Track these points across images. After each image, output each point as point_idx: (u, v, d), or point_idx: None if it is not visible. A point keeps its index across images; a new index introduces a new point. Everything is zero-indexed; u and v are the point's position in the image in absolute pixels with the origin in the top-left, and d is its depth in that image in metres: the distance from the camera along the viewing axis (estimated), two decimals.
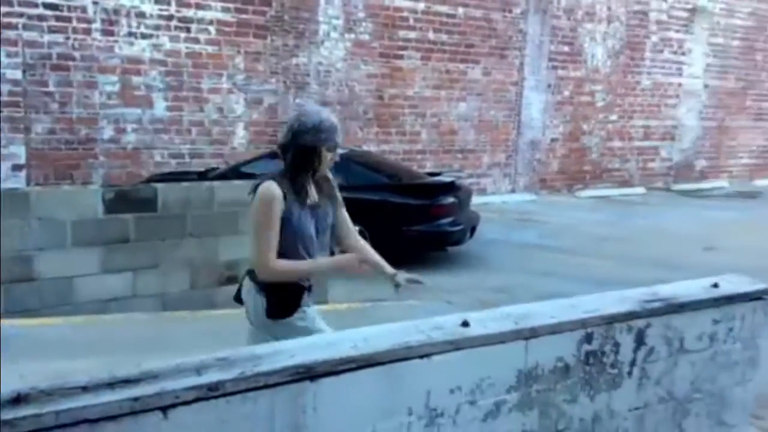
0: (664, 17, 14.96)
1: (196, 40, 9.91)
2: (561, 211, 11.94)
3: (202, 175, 8.20)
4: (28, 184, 8.77)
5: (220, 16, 10.03)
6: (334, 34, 11.02)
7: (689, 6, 15.27)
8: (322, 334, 2.20)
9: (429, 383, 2.15)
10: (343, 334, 2.20)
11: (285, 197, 2.62)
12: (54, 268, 5.01)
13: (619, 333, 2.55)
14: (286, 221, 2.63)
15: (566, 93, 13.91)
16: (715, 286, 2.83)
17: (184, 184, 6.01)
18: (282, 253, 2.64)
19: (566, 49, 13.73)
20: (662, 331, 2.64)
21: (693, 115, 15.85)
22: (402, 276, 2.76)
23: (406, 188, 7.74)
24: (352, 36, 11.20)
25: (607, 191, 14.26)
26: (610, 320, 2.53)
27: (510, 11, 12.89)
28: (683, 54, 15.39)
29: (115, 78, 9.46)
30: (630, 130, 14.99)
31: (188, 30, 9.84)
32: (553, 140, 13.91)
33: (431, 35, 11.99)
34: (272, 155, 8.72)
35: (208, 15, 9.94)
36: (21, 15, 8.72)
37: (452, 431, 2.20)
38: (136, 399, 1.72)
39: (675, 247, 8.96)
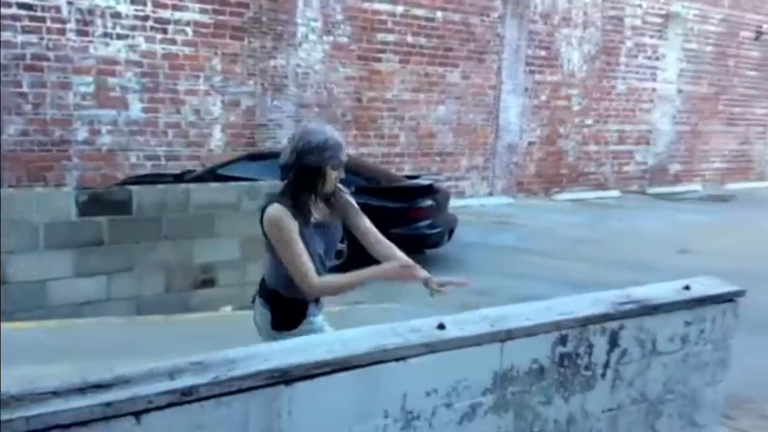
0: (638, 23, 15.18)
1: (173, 41, 9.83)
2: (538, 214, 12.04)
3: (179, 178, 8.12)
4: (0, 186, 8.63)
5: (197, 17, 9.96)
6: (312, 37, 11.00)
7: (663, 12, 15.50)
8: (297, 339, 2.18)
9: (405, 386, 2.15)
10: (319, 337, 2.20)
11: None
12: (26, 272, 4.93)
13: (593, 335, 2.57)
14: None
15: (543, 97, 14.03)
16: (687, 288, 2.88)
17: (160, 186, 5.96)
18: (285, 270, 2.60)
19: (543, 53, 13.86)
20: (635, 332, 2.68)
21: (667, 119, 16.08)
22: (435, 280, 2.63)
23: (384, 191, 7.75)
24: (331, 38, 11.19)
25: (583, 194, 14.41)
26: (584, 322, 2.56)
27: (488, 15, 12.98)
28: (657, 59, 15.62)
29: (89, 79, 9.34)
30: (605, 134, 15.16)
31: (165, 31, 9.75)
32: (530, 144, 14.02)
33: (410, 38, 12.03)
34: (250, 157, 8.73)
35: (185, 16, 9.87)
36: None
37: None
38: (108, 404, 1.69)
39: (649, 249, 9.08)
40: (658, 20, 15.46)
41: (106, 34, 9.36)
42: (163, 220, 5.41)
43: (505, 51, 13.26)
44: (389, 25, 11.78)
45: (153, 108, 9.83)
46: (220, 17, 10.11)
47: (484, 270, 7.45)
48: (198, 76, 10.09)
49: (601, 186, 15.11)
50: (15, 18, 8.72)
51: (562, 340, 2.50)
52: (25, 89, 8.92)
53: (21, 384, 1.70)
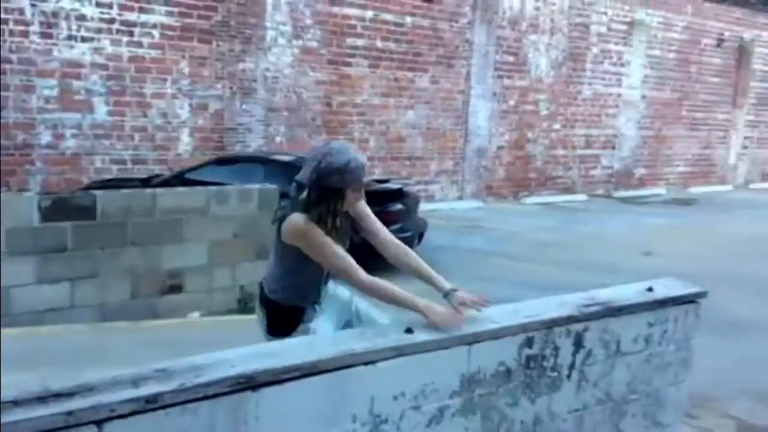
0: (604, 30, 15.44)
1: (139, 44, 9.70)
2: (507, 217, 12.15)
3: (145, 182, 8.01)
4: None
5: (164, 20, 9.85)
6: (281, 40, 10.96)
7: (628, 19, 15.80)
8: (265, 344, 2.17)
9: (373, 390, 2.16)
10: (287, 342, 2.19)
11: None
12: None
13: (559, 337, 2.61)
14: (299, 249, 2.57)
15: (511, 102, 14.18)
16: (650, 290, 2.94)
17: (125, 191, 5.86)
18: (294, 271, 2.60)
19: (511, 59, 14.02)
20: (600, 334, 2.72)
21: (632, 124, 16.38)
22: (457, 297, 2.50)
23: None
24: (300, 42, 11.17)
25: (551, 198, 14.59)
26: (550, 324, 2.60)
27: (456, 21, 13.08)
28: (622, 65, 15.90)
29: (53, 82, 9.17)
30: (573, 139, 15.38)
31: (131, 34, 9.62)
32: (499, 148, 14.16)
33: (379, 43, 12.06)
34: (218, 161, 8.66)
35: (152, 19, 9.75)
36: None
37: None
38: (69, 413, 1.67)
39: (615, 252, 9.23)
40: (623, 27, 15.75)
41: (70, 37, 9.19)
42: (129, 226, 5.33)
43: (474, 56, 13.38)
44: (359, 29, 11.79)
45: (119, 111, 9.68)
46: (188, 20, 10.01)
47: (454, 273, 7.47)
48: (165, 80, 9.98)
49: (569, 190, 15.32)
50: None
51: (529, 343, 2.54)
52: None
53: None
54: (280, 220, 2.58)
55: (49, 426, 1.64)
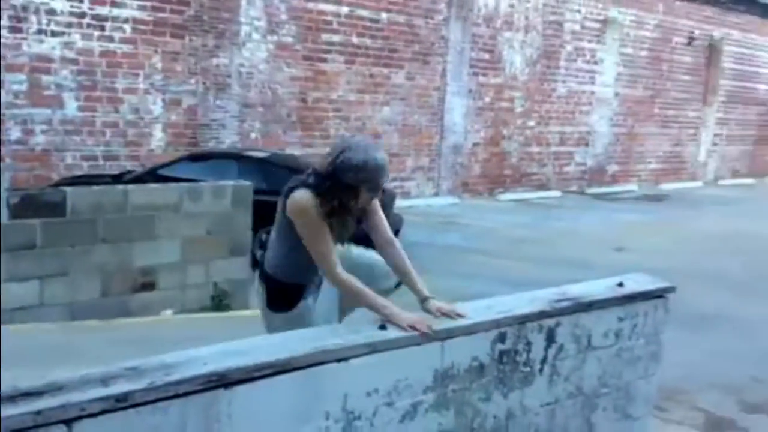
0: (577, 28, 15.60)
1: (111, 39, 9.56)
2: (482, 214, 12.23)
3: (117, 178, 7.91)
4: None
5: (136, 14, 9.71)
6: (256, 36, 10.88)
7: (601, 17, 15.98)
8: (238, 341, 2.15)
9: (346, 387, 2.16)
10: (260, 339, 2.18)
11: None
12: None
13: (531, 332, 2.64)
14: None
15: (487, 99, 14.26)
16: (620, 285, 2.98)
17: (96, 187, 5.78)
18: (296, 248, 2.55)
19: (486, 56, 14.09)
20: (571, 329, 2.75)
21: (605, 121, 16.58)
22: (433, 305, 2.52)
23: None
24: (275, 38, 11.09)
25: (525, 194, 14.71)
26: (523, 320, 2.62)
27: (432, 18, 13.10)
28: (595, 63, 16.08)
29: (23, 77, 8.99)
30: (547, 136, 15.52)
31: (102, 28, 9.48)
32: (474, 145, 14.23)
33: (355, 39, 12.04)
34: (192, 158, 8.57)
35: (123, 13, 9.61)
36: None
37: None
38: (38, 412, 1.64)
39: (588, 248, 9.34)
40: (596, 25, 15.93)
41: (40, 31, 9.02)
42: (100, 223, 5.25)
43: (450, 53, 13.42)
44: (334, 25, 11.75)
45: (90, 107, 9.53)
46: (160, 14, 9.89)
47: (429, 269, 7.49)
48: (137, 75, 9.84)
49: (543, 186, 15.46)
50: None
51: (502, 338, 2.56)
52: None
53: None
54: (287, 194, 2.54)
55: (18, 425, 1.61)
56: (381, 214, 2.69)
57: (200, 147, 10.21)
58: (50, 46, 9.12)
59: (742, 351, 5.46)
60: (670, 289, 3.09)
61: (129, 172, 8.73)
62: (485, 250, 9.13)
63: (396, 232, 9.31)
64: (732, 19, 19.02)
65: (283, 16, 11.13)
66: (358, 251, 2.81)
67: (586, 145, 16.31)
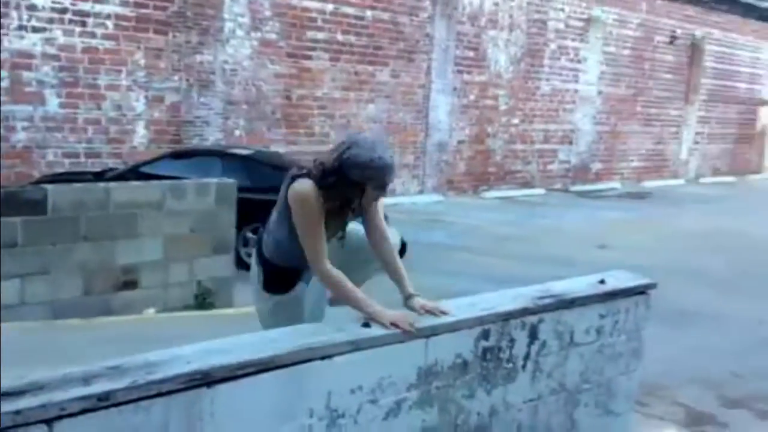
0: (561, 26, 15.68)
1: (93, 35, 9.46)
2: (467, 211, 12.26)
3: (99, 176, 7.85)
4: None
5: (119, 10, 9.62)
6: (240, 32, 10.82)
7: (585, 16, 16.07)
8: (220, 340, 2.14)
9: (330, 384, 2.16)
10: (243, 338, 2.17)
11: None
12: None
13: (514, 329, 2.66)
14: None
15: (471, 97, 14.30)
16: (602, 282, 3.01)
17: (78, 185, 5.73)
18: (289, 243, 2.55)
19: (471, 54, 14.12)
20: (554, 325, 2.78)
21: (588, 120, 16.69)
22: (417, 302, 2.53)
23: None
24: (259, 35, 11.04)
25: (510, 192, 14.77)
26: (506, 317, 2.64)
27: (417, 15, 13.11)
28: (579, 62, 16.18)
29: (3, 73, 8.87)
30: (531, 134, 15.60)
31: (84, 24, 9.38)
32: (459, 142, 14.26)
33: (340, 36, 12.01)
34: (174, 155, 8.52)
35: (106, 9, 9.51)
36: None
37: (354, 431, 2.22)
38: (18, 412, 1.63)
39: (571, 245, 9.40)
40: (580, 24, 16.02)
41: (21, 27, 8.91)
42: (82, 220, 5.20)
43: (435, 51, 13.43)
44: (319, 22, 11.72)
45: (72, 103, 9.43)
46: (143, 11, 9.80)
47: (415, 267, 7.50)
48: (120, 71, 9.76)
49: (528, 184, 15.54)
50: None
51: (485, 335, 2.57)
52: None
53: None
54: (291, 180, 2.52)
55: None
56: (379, 207, 2.67)
57: (183, 144, 10.14)
58: (31, 42, 9.01)
59: (722, 347, 5.54)
60: (651, 286, 3.12)
61: (111, 169, 8.66)
62: (470, 247, 9.16)
63: None
64: (713, 18, 19.22)
65: (267, 13, 11.08)
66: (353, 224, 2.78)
67: (570, 143, 16.41)
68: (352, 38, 12.17)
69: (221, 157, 8.04)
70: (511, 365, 2.65)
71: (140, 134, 10.04)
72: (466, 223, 11.06)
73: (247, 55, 10.95)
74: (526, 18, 14.90)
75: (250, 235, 7.49)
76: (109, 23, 9.56)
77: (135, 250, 5.44)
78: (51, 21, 9.11)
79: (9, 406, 1.63)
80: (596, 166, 17.13)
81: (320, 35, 11.74)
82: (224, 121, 10.81)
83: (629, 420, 3.25)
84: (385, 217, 2.78)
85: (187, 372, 1.85)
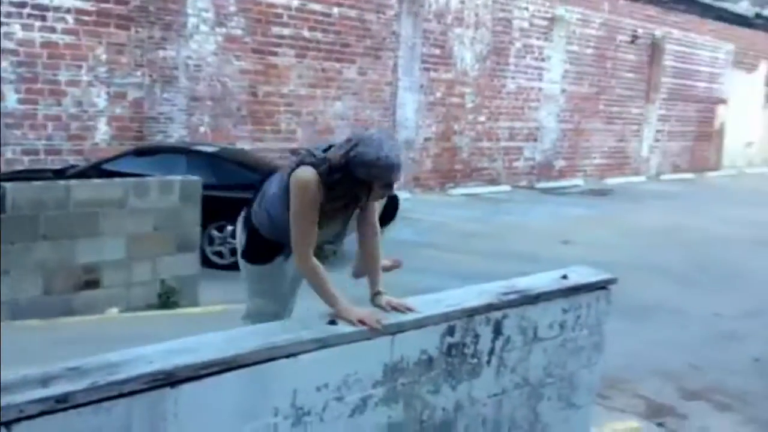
0: (526, 25, 15.85)
1: (53, 29, 9.24)
2: (434, 208, 12.33)
3: (59, 173, 7.68)
4: None
5: (79, 4, 9.41)
6: (204, 28, 10.68)
7: (549, 15, 16.28)
8: (183, 339, 2.12)
9: (295, 382, 2.15)
10: (207, 337, 2.15)
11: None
12: None
13: (479, 325, 2.68)
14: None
15: (438, 94, 14.37)
16: (565, 277, 3.05)
17: (37, 183, 5.59)
18: (281, 219, 2.53)
19: (437, 52, 14.19)
20: (518, 321, 2.81)
21: (552, 117, 16.92)
22: (384, 299, 2.55)
23: None
24: (224, 30, 10.92)
25: (476, 189, 14.90)
26: (471, 313, 2.66)
27: (383, 13, 13.11)
28: (543, 60, 16.38)
29: None
30: (497, 131, 15.74)
31: (43, 18, 9.16)
32: (426, 140, 14.32)
33: (306, 33, 11.95)
34: (137, 152, 8.38)
35: (66, 3, 9.30)
36: None
37: (320, 428, 2.23)
38: None
39: (536, 241, 9.53)
40: (544, 23, 16.22)
41: None
42: (41, 219, 5.09)
43: (401, 48, 13.46)
44: (285, 18, 11.64)
45: (31, 99, 9.21)
46: (104, 5, 9.61)
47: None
48: (80, 66, 9.55)
49: (493, 181, 15.68)
50: None
51: (450, 331, 2.59)
52: None
53: None
54: (296, 166, 2.49)
55: None
56: (376, 203, 2.66)
57: (147, 141, 9.98)
58: None
59: (681, 340, 5.68)
60: (612, 281, 3.18)
61: (72, 166, 8.50)
62: (436, 244, 9.21)
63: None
64: (673, 18, 19.64)
65: (232, 8, 10.96)
66: None
67: (535, 140, 16.61)
68: (319, 35, 12.12)
69: (186, 154, 7.94)
70: (475, 361, 2.68)
71: (102, 131, 9.86)
72: (433, 220, 11.12)
73: (212, 51, 10.82)
74: (491, 16, 15.03)
75: (215, 233, 7.42)
76: (70, 18, 9.36)
77: (97, 249, 5.34)
78: (9, 15, 8.87)
79: None
80: (560, 163, 17.38)
81: (286, 31, 11.67)
82: (188, 118, 10.68)
83: (591, 412, 3.31)
84: None
85: (150, 372, 1.82)
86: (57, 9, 9.24)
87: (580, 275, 3.12)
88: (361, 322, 2.36)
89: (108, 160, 7.96)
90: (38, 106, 9.29)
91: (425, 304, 2.63)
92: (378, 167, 2.38)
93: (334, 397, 2.25)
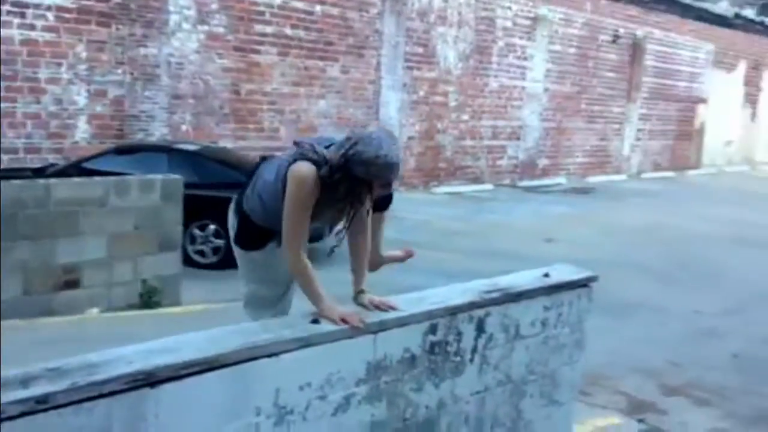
0: (509, 24, 15.92)
1: (32, 27, 9.13)
2: (418, 207, 12.34)
3: (39, 172, 7.60)
4: None
5: (59, 1, 9.30)
6: (186, 25, 10.61)
7: (531, 14, 16.36)
8: (164, 339, 2.10)
9: (278, 382, 2.15)
10: (188, 336, 2.14)
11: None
12: None
13: (462, 323, 2.69)
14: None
15: (421, 93, 14.39)
16: (547, 275, 3.08)
17: (16, 181, 5.52)
18: (274, 207, 2.51)
19: (420, 50, 14.21)
20: (500, 319, 2.83)
21: (535, 116, 17.01)
22: (366, 298, 2.56)
23: None
24: (206, 28, 10.85)
25: (460, 188, 14.94)
26: (454, 311, 2.67)
27: (367, 11, 13.10)
28: (526, 59, 16.46)
29: None
30: (480, 130, 15.80)
31: (23, 15, 9.05)
32: (410, 138, 14.34)
33: (289, 31, 11.91)
34: (117, 150, 8.30)
35: (46, 0, 9.19)
36: None
37: (302, 427, 2.22)
38: None
39: (519, 239, 9.59)
40: (527, 22, 16.30)
41: None
42: (20, 218, 5.02)
43: (384, 47, 13.46)
44: (267, 16, 11.59)
45: (10, 97, 9.08)
46: (85, 2, 9.51)
47: None
48: (60, 64, 9.45)
49: (477, 180, 15.74)
50: None
51: (433, 329, 2.60)
52: None
53: None
54: (297, 160, 2.46)
55: None
56: (365, 210, 2.64)
57: (128, 139, 9.90)
58: None
59: (661, 337, 5.75)
60: (593, 279, 3.21)
61: (52, 165, 8.41)
62: (420, 242, 9.19)
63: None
64: (653, 18, 19.83)
65: (214, 6, 10.90)
66: None
67: (518, 139, 16.69)
68: (302, 33, 12.09)
69: (167, 153, 7.89)
70: (458, 358, 2.69)
71: (82, 129, 9.75)
72: (416, 219, 11.14)
73: (194, 49, 10.75)
74: (474, 15, 15.07)
75: (197, 232, 7.38)
76: (50, 15, 9.25)
77: (77, 248, 5.28)
78: None
79: None
80: (543, 161, 17.48)
81: (269, 29, 11.62)
82: (170, 116, 10.60)
83: (573, 409, 3.34)
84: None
85: (130, 372, 1.81)
86: (37, 6, 9.13)
87: (561, 273, 3.14)
88: (344, 320, 2.36)
89: (88, 159, 7.88)
90: (17, 104, 9.17)
91: (408, 303, 2.63)
92: (377, 166, 2.35)
93: (316, 396, 2.25)
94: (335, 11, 12.56)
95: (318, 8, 12.27)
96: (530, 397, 3.00)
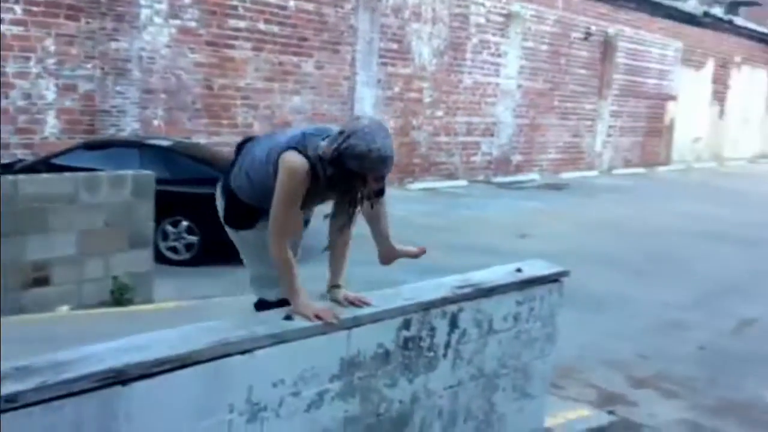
0: (482, 20, 15.99)
1: None
2: (393, 203, 12.18)
3: (7, 168, 7.44)
4: None
5: None
6: (157, 19, 10.47)
7: (505, 11, 16.46)
8: (137, 336, 2.09)
9: (251, 379, 2.15)
10: (160, 334, 2.13)
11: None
12: None
13: (435, 318, 2.72)
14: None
15: (396, 89, 14.40)
16: (519, 270, 3.11)
17: None
18: (263, 187, 2.50)
19: (395, 46, 14.21)
20: (473, 314, 2.86)
21: (509, 113, 17.13)
22: (340, 293, 2.57)
23: None
24: (178, 22, 10.72)
25: (434, 184, 14.99)
26: (427, 306, 2.69)
27: (341, 7, 13.06)
28: (499, 56, 16.56)
29: None
30: (455, 126, 15.86)
31: None
32: None
33: (262, 26, 11.82)
34: (87, 146, 8.18)
35: None
36: None
37: (276, 424, 2.22)
38: None
39: (493, 235, 9.66)
40: (500, 19, 16.39)
41: None
42: None
43: (359, 43, 13.43)
44: (240, 11, 11.49)
45: None
46: None
47: None
48: (29, 58, 9.26)
49: (451, 176, 15.80)
50: None
51: (406, 325, 2.62)
52: None
53: None
54: (293, 148, 2.44)
55: None
56: (353, 209, 2.64)
57: (98, 134, 9.75)
58: None
59: (630, 329, 5.85)
60: (565, 274, 3.25)
61: (20, 161, 8.26)
62: (395, 238, 9.23)
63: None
64: (624, 15, 20.08)
65: (186, 0, 10.77)
66: None
67: (492, 135, 16.79)
68: (275, 28, 12.01)
69: (139, 148, 7.79)
70: (432, 354, 2.71)
71: (51, 124, 9.58)
72: (392, 214, 11.02)
73: (165, 43, 10.61)
74: (448, 12, 15.11)
75: (169, 228, 7.30)
76: (18, 8, 9.06)
77: (46, 245, 5.20)
78: None
79: None
80: (516, 158, 17.62)
81: (242, 24, 11.52)
82: (142, 111, 10.46)
83: (545, 402, 3.39)
84: None
85: (101, 370, 1.80)
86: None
87: (533, 268, 3.18)
88: (318, 317, 2.36)
89: (57, 155, 7.75)
90: None
91: (382, 298, 2.65)
92: (371, 159, 2.33)
93: (290, 393, 2.25)
94: (309, 6, 12.50)
95: (292, 3, 12.20)
96: (503, 391, 3.03)
